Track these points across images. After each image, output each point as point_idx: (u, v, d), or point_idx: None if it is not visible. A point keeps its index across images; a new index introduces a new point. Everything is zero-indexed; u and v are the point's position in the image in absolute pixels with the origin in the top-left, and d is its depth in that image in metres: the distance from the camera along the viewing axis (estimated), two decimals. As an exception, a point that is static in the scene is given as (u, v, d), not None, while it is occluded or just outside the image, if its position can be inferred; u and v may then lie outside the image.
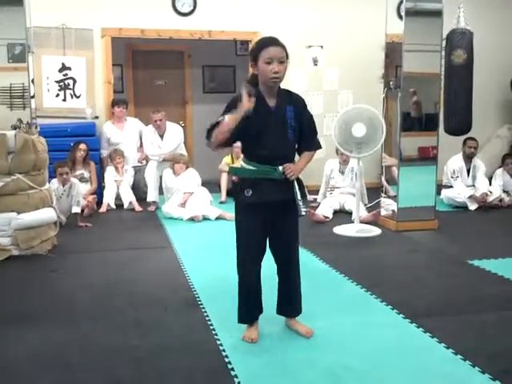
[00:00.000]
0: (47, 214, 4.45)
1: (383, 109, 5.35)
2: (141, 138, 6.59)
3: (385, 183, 5.51)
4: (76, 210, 5.28)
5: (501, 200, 6.13)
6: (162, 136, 6.40)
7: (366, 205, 5.58)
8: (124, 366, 2.47)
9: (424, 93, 5.25)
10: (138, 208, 6.10)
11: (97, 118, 6.68)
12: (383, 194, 5.46)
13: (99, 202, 6.09)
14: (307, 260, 4.13)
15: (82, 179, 5.94)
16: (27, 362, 2.54)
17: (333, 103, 7.16)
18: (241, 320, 2.73)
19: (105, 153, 6.60)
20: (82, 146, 6.11)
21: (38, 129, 4.61)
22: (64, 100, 6.66)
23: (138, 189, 6.42)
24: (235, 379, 2.34)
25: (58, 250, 4.44)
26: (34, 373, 2.44)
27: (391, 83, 5.21)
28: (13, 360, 2.56)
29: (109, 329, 2.89)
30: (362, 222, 5.07)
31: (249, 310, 2.73)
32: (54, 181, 5.25)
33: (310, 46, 7.16)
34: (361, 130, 4.92)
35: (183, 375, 2.38)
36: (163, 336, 2.78)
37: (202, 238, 4.89)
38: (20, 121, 4.42)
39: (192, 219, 5.52)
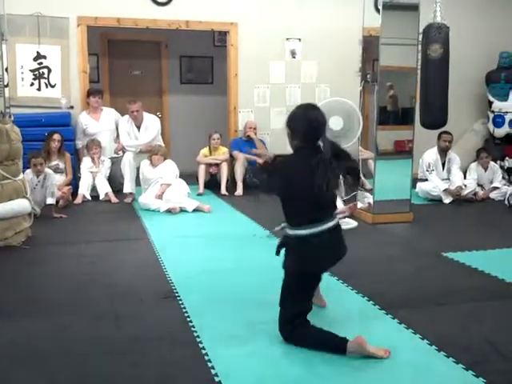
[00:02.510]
0: (21, 205, 4.37)
1: (360, 102, 5.38)
2: (117, 129, 6.52)
3: (361, 176, 5.54)
4: (50, 201, 5.20)
5: (475, 193, 6.23)
6: (138, 127, 6.34)
7: (342, 197, 5.60)
8: (99, 357, 2.46)
9: (400, 86, 5.29)
10: (114, 199, 6.04)
11: (72, 107, 6.58)
12: (359, 187, 5.49)
13: (74, 193, 6.02)
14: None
15: (56, 170, 5.86)
16: (5, 356, 2.50)
17: (311, 96, 7.17)
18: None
19: (80, 143, 6.52)
20: (57, 137, 6.02)
21: (12, 118, 4.52)
22: (39, 89, 6.54)
23: (115, 180, 6.36)
24: (212, 371, 2.34)
25: (32, 241, 4.38)
26: (6, 364, 2.41)
27: (368, 76, 5.24)
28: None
29: (84, 320, 2.87)
30: (338, 214, 5.09)
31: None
32: (29, 171, 5.17)
33: (288, 39, 7.15)
34: (338, 122, 4.94)
35: (159, 367, 2.38)
36: (139, 327, 2.77)
37: (179, 230, 4.87)
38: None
39: (169, 211, 5.49)
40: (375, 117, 5.16)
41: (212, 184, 6.60)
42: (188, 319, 2.88)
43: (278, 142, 7.08)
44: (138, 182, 6.08)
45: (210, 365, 2.39)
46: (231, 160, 6.73)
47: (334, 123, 4.91)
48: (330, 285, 3.42)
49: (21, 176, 4.50)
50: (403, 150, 5.37)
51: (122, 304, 3.08)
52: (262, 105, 7.16)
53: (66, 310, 3.01)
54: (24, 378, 2.29)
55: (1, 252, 4.10)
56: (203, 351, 2.51)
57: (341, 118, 4.93)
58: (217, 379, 2.27)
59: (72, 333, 2.72)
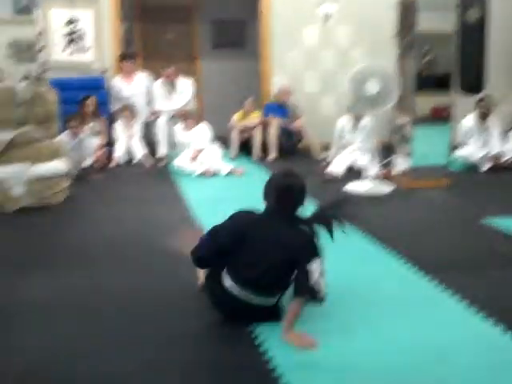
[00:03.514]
0: (59, 166, 4.45)
1: (397, 67, 5.26)
2: (151, 93, 6.52)
3: (397, 141, 5.46)
4: (87, 163, 5.27)
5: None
6: (172, 91, 6.33)
7: (378, 162, 5.54)
8: (139, 309, 2.53)
9: (438, 51, 5.16)
10: (148, 163, 6.08)
11: (105, 71, 6.60)
12: (396, 152, 5.42)
13: (109, 157, 6.08)
14: (319, 215, 4.14)
15: (91, 133, 5.92)
16: (43, 305, 2.59)
17: (345, 60, 7.04)
18: None
19: (114, 107, 6.55)
20: (91, 100, 6.06)
21: (48, 81, 4.57)
22: (72, 54, 6.57)
23: (149, 144, 6.40)
24: (248, 328, 2.36)
25: (70, 201, 4.46)
26: (50, 314, 2.49)
27: (405, 41, 5.10)
28: (29, 302, 2.61)
29: (123, 275, 2.94)
30: (374, 179, 5.05)
31: None
32: (65, 134, 5.23)
33: (323, 2, 6.99)
34: (374, 86, 4.84)
35: (200, 318, 2.41)
36: (176, 283, 2.81)
37: (213, 193, 4.89)
38: (28, 74, 4.39)
39: (203, 174, 5.51)
40: (412, 82, 5.05)
41: (245, 148, 6.58)
42: (225, 278, 2.91)
43: (311, 107, 7.02)
44: (172, 146, 6.10)
45: (254, 335, 2.41)
46: (264, 124, 6.69)
47: (371, 87, 4.82)
48: (368, 248, 3.42)
49: (58, 138, 4.56)
50: (441, 116, 5.27)
51: (159, 262, 3.12)
52: (295, 69, 7.06)
53: (105, 266, 3.08)
54: (67, 327, 2.37)
55: (41, 211, 4.19)
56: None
57: (377, 81, 4.83)
58: (253, 335, 2.30)
59: (111, 286, 2.79)
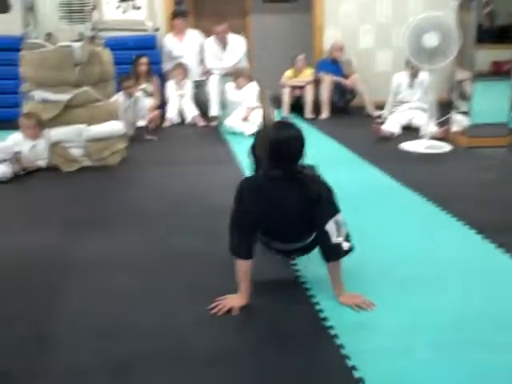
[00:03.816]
0: (115, 127, 4.52)
1: (456, 19, 5.01)
2: (202, 52, 6.48)
3: (456, 98, 5.25)
4: (141, 123, 5.35)
5: None
6: (224, 49, 6.26)
7: (435, 120, 5.36)
8: (198, 268, 2.58)
9: (499, 1, 4.87)
10: (200, 123, 6.11)
11: (157, 30, 6.59)
12: (454, 110, 5.22)
13: (162, 117, 6.14)
14: (374, 175, 4.08)
15: (145, 93, 5.96)
16: (98, 262, 2.68)
17: (402, 11, 6.76)
18: None
19: (166, 67, 6.56)
20: (144, 60, 6.09)
21: (104, 40, 4.60)
22: (125, 12, 6.58)
23: (201, 103, 6.40)
24: (304, 285, 2.39)
25: (126, 162, 4.55)
26: (109, 271, 2.58)
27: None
28: (85, 260, 2.70)
29: (178, 235, 2.99)
30: (431, 138, 4.91)
31: None
32: (120, 94, 5.29)
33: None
34: (433, 39, 4.64)
35: (255, 279, 2.44)
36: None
37: (266, 153, 4.87)
38: (81, 34, 4.42)
39: (254, 134, 5.48)
40: (472, 35, 4.80)
41: (297, 107, 6.49)
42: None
43: (365, 63, 6.82)
44: (223, 106, 6.09)
45: (302, 280, 2.43)
46: (317, 82, 6.56)
47: (430, 40, 4.62)
48: (424, 209, 3.36)
49: (113, 98, 4.62)
50: (502, 71, 5.01)
51: (215, 222, 3.14)
52: (349, 23, 6.84)
53: (162, 225, 3.15)
54: (126, 284, 2.44)
55: (98, 171, 4.30)
56: (294, 267, 2.56)
57: (436, 34, 4.62)
58: (309, 293, 2.32)
59: (168, 245, 2.85)
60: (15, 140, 4.25)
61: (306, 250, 2.46)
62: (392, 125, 5.39)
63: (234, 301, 2.21)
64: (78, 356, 1.92)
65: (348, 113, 6.52)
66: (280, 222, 2.29)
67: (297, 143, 2.20)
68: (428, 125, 4.91)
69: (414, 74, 5.66)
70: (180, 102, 6.26)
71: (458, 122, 5.08)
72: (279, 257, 2.52)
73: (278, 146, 2.17)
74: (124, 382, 1.79)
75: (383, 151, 4.79)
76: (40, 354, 1.94)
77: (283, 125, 2.31)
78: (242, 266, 2.24)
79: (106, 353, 1.94)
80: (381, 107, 6.06)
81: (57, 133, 4.30)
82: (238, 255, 2.26)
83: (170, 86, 6.33)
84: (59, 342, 2.02)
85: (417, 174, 4.12)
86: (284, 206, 2.26)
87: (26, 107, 4.43)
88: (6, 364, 1.88)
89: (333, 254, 2.24)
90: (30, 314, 2.20)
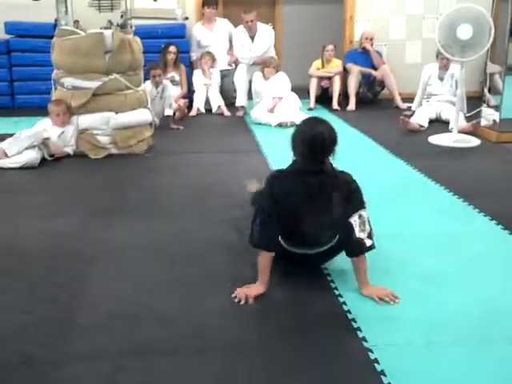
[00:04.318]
0: (143, 115, 4.55)
1: (491, 10, 4.90)
2: (231, 41, 6.47)
3: (487, 92, 5.15)
4: (168, 112, 5.37)
5: None
6: (252, 38, 6.22)
7: (464, 114, 5.27)
8: (221, 257, 2.60)
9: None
10: (226, 113, 6.11)
11: (187, 18, 6.60)
12: (484, 104, 5.13)
13: (189, 106, 6.15)
14: (401, 169, 4.04)
15: (172, 82, 5.98)
16: (130, 248, 2.71)
17: (434, 3, 6.64)
18: None
19: (194, 55, 6.56)
20: (173, 49, 6.10)
21: (134, 28, 4.62)
22: (155, 0, 6.59)
23: (227, 93, 6.40)
24: (328, 277, 2.38)
25: (153, 150, 4.58)
26: (136, 258, 2.61)
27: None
28: (118, 246, 2.74)
29: (208, 223, 3.01)
30: (460, 131, 4.83)
31: None
32: (148, 83, 5.31)
33: None
34: (467, 31, 4.54)
35: (278, 270, 2.44)
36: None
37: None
38: (110, 22, 4.43)
39: (280, 125, 5.47)
40: (507, 27, 4.69)
41: (324, 98, 6.44)
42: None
43: (395, 54, 6.72)
44: (250, 95, 6.08)
45: (325, 272, 2.43)
46: (345, 73, 6.50)
47: (463, 31, 4.53)
48: (450, 203, 3.31)
49: (142, 86, 4.65)
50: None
51: (239, 211, 3.15)
52: (380, 14, 6.75)
53: (187, 214, 3.17)
54: (150, 271, 2.48)
55: (125, 159, 4.34)
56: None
57: (470, 26, 4.53)
58: (333, 285, 2.32)
59: (193, 233, 2.88)
60: (44, 126, 4.31)
61: (325, 256, 2.43)
62: (421, 118, 5.32)
63: (252, 290, 2.23)
64: (103, 341, 1.95)
65: (376, 105, 6.44)
66: (307, 217, 2.27)
67: (329, 139, 2.21)
68: (457, 118, 4.83)
69: (444, 67, 5.56)
70: (207, 91, 6.26)
71: (488, 116, 4.99)
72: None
73: (312, 141, 2.19)
74: (147, 368, 1.81)
75: (411, 144, 4.73)
76: (65, 338, 1.97)
77: (316, 120, 2.32)
78: (264, 258, 2.25)
79: (130, 338, 1.97)
80: (409, 99, 5.98)
81: (85, 120, 4.35)
82: (261, 247, 2.26)
83: (197, 74, 6.33)
84: (85, 327, 2.06)
85: (444, 167, 4.06)
86: (313, 201, 2.25)
87: (55, 94, 4.49)
88: (32, 348, 1.92)
89: (355, 248, 2.25)
90: (56, 299, 2.24)
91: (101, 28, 4.33)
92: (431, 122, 5.37)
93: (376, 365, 1.78)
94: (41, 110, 5.05)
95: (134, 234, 2.89)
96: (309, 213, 2.27)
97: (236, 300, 2.19)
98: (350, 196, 2.25)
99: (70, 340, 1.96)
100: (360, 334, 1.95)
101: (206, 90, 6.26)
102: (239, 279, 2.32)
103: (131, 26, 4.58)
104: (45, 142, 4.17)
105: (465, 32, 4.53)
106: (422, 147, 4.63)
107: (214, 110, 6.20)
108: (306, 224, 2.29)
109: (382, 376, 1.73)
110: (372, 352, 1.85)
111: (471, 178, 3.79)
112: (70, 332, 2.01)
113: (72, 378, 1.77)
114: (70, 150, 4.35)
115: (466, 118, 5.16)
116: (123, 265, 2.56)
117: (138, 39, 4.54)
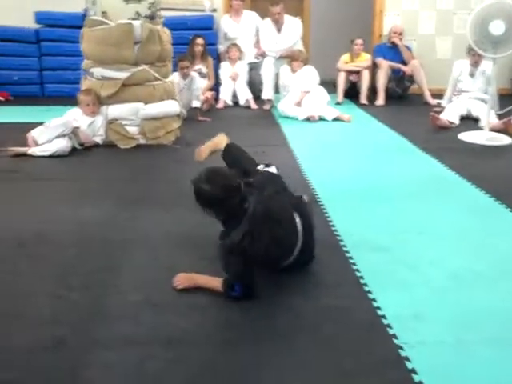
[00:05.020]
0: (171, 106, 4.57)
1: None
2: (258, 33, 6.44)
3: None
4: (196, 104, 5.38)
5: None
6: (279, 30, 6.19)
7: (496, 112, 5.18)
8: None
9: None
10: (253, 106, 6.10)
11: (215, 10, 6.59)
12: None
13: (216, 98, 6.15)
14: (431, 165, 3.99)
15: (199, 74, 5.98)
16: (159, 237, 2.73)
17: (466, -2, 6.54)
18: None
19: (222, 48, 6.56)
20: (200, 41, 6.10)
21: (163, 19, 4.62)
22: (183, -8, 6.59)
23: (254, 86, 6.38)
24: (357, 273, 2.37)
25: (180, 141, 4.59)
26: (167, 249, 2.63)
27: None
28: (146, 235, 2.76)
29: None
30: (491, 129, 4.74)
31: None
32: (176, 74, 5.33)
33: None
34: (499, 27, 4.45)
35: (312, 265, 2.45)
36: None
37: (319, 138, 4.83)
38: (138, 13, 4.43)
39: (308, 119, 5.44)
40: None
41: (352, 92, 6.39)
42: (331, 224, 2.90)
43: (425, 49, 6.63)
44: (277, 89, 6.05)
45: (354, 267, 2.41)
46: (373, 67, 6.43)
47: (495, 27, 4.44)
48: (480, 202, 3.26)
49: (170, 78, 4.66)
50: None
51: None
52: (410, 8, 6.66)
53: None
54: (178, 260, 2.48)
55: (153, 149, 4.37)
56: (347, 254, 2.54)
57: (503, 21, 4.44)
58: (362, 281, 2.29)
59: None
60: (74, 116, 4.36)
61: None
62: (451, 114, 5.23)
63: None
64: (132, 328, 1.97)
65: (405, 100, 6.37)
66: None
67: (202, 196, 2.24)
68: (488, 116, 4.75)
69: (475, 63, 5.47)
70: (234, 84, 6.25)
71: (521, 113, 4.90)
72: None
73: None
74: (175, 357, 1.82)
75: (441, 141, 4.67)
76: (95, 325, 2.00)
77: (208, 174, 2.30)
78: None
79: (159, 326, 1.98)
80: (439, 95, 5.90)
81: (114, 110, 4.38)
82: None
83: (224, 67, 6.33)
84: (114, 314, 2.08)
85: (474, 165, 4.00)
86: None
87: (84, 84, 4.52)
88: (63, 333, 1.94)
89: None
90: (87, 286, 2.26)
91: (128, 19, 4.32)
92: (461, 118, 5.29)
93: (407, 362, 1.76)
94: (69, 99, 5.10)
95: (161, 224, 2.90)
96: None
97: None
98: None
99: (100, 326, 1.98)
100: (390, 331, 1.93)
101: (233, 82, 6.25)
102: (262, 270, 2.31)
103: (160, 17, 4.57)
104: (75, 131, 4.21)
105: (497, 28, 4.44)
106: (452, 144, 4.57)
107: (241, 103, 6.19)
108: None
109: (412, 374, 1.71)
110: (403, 349, 1.83)
111: (502, 177, 3.73)
112: (99, 319, 2.04)
113: (102, 363, 1.79)
114: (99, 139, 4.39)
115: (497, 115, 5.07)
116: (152, 253, 2.58)
117: (167, 30, 4.55)
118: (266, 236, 2.13)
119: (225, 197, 2.20)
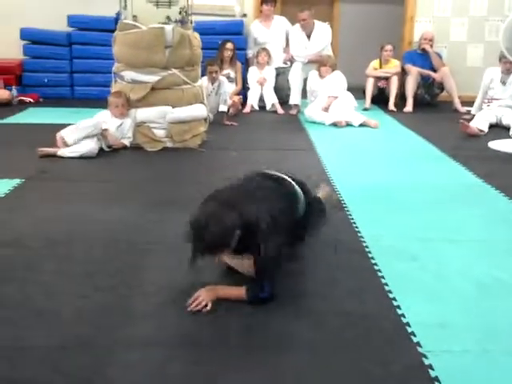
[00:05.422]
0: (199, 110, 4.60)
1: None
2: (287, 39, 6.46)
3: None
4: (223, 108, 5.41)
5: None
6: (308, 36, 6.19)
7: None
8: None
9: None
10: (280, 110, 6.11)
11: (245, 15, 6.63)
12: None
13: (243, 103, 6.18)
14: (460, 173, 3.94)
15: (228, 79, 6.02)
16: (173, 240, 2.70)
17: (498, 5, 6.43)
18: None
19: (251, 53, 6.59)
20: (230, 45, 6.14)
21: (194, 24, 4.66)
22: (213, -2, 6.66)
23: (281, 91, 6.39)
24: (382, 280, 2.34)
25: (207, 145, 4.62)
26: (178, 248, 2.61)
27: None
28: (171, 237, 2.76)
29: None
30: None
31: None
32: (204, 78, 5.37)
33: None
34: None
35: (326, 270, 2.43)
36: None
37: (345, 144, 4.81)
38: (168, 18, 4.47)
39: (334, 124, 5.43)
40: None
41: (380, 99, 6.35)
42: (356, 229, 2.89)
43: (455, 56, 6.56)
44: (304, 94, 6.05)
45: (380, 274, 2.39)
46: (403, 74, 6.38)
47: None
48: (509, 212, 3.20)
49: (199, 82, 4.69)
50: None
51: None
52: (442, 14, 6.59)
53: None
54: (210, 264, 2.47)
55: (180, 153, 4.40)
56: (372, 260, 2.52)
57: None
58: (387, 288, 2.27)
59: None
60: (103, 118, 4.42)
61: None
62: (481, 122, 5.16)
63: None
64: (155, 329, 1.98)
65: (434, 107, 6.30)
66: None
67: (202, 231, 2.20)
68: (519, 124, 4.67)
69: (507, 71, 5.39)
70: (261, 89, 6.27)
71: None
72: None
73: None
74: (198, 358, 1.83)
75: (470, 149, 4.61)
76: (119, 325, 2.01)
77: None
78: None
79: (182, 328, 1.99)
80: (469, 103, 5.82)
81: (142, 113, 4.43)
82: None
83: (252, 71, 6.35)
84: (138, 314, 2.09)
85: (504, 174, 3.94)
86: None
87: (115, 87, 4.59)
88: (88, 333, 1.96)
89: None
90: (112, 286, 2.28)
91: (159, 23, 4.37)
92: (491, 126, 5.21)
93: (430, 371, 1.74)
94: (98, 102, 5.18)
95: (182, 226, 2.90)
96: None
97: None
98: None
99: (124, 326, 2.00)
100: (414, 339, 1.91)
101: (261, 86, 6.27)
102: (285, 277, 2.32)
103: (191, 22, 4.62)
104: (103, 133, 4.28)
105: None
106: (482, 152, 4.50)
107: (267, 108, 6.21)
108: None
109: (436, 382, 1.69)
110: (426, 358, 1.80)
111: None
112: (124, 319, 2.05)
113: (125, 363, 1.80)
114: (127, 141, 4.44)
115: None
116: (176, 256, 2.58)
117: (197, 35, 4.59)
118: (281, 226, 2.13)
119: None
